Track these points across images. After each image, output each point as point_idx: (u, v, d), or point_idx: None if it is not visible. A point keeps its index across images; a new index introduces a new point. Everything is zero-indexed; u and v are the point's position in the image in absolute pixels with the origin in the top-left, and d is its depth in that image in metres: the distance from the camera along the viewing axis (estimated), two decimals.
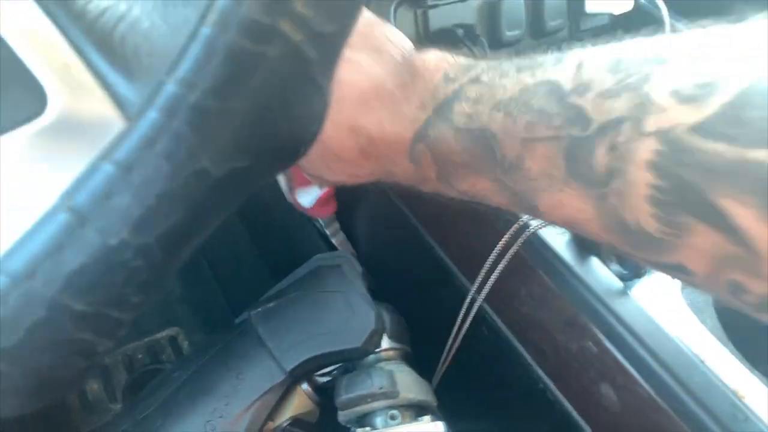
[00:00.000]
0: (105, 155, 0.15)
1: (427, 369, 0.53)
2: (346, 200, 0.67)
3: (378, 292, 0.50)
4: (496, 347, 0.45)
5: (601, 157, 0.21)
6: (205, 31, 0.14)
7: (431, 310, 0.54)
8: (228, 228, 0.92)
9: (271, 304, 0.44)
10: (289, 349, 0.41)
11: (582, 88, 0.22)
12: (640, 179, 0.19)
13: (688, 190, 0.18)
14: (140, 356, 0.91)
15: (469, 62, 0.28)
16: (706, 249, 0.19)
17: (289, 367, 0.40)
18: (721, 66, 0.19)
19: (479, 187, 0.27)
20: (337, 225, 0.68)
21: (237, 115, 0.15)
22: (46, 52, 0.14)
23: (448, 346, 0.49)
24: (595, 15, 0.70)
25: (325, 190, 0.67)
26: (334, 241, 0.66)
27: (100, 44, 0.15)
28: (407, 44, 0.30)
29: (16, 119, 0.14)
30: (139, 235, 0.15)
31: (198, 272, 0.90)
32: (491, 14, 0.63)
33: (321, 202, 0.67)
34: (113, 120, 0.15)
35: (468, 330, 0.46)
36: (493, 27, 0.63)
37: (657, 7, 0.66)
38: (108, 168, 0.15)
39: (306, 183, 0.67)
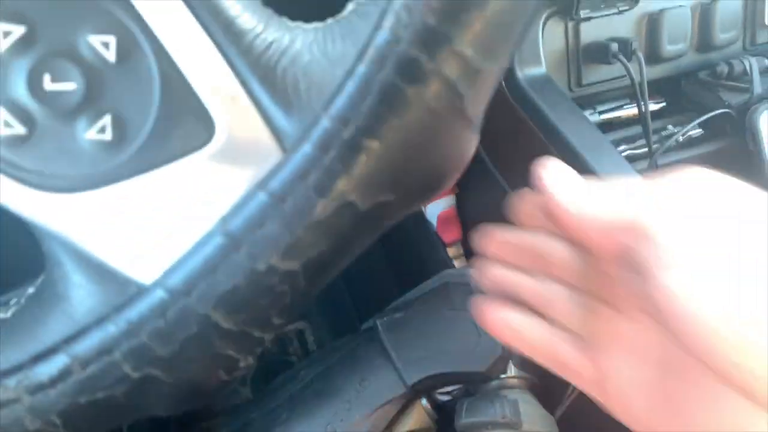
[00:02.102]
0: (261, 185, 0.15)
1: (551, 398, 0.51)
2: (472, 224, 0.66)
3: None
4: None
5: None
6: (362, 69, 0.14)
7: None
8: None
9: (398, 315, 0.44)
10: (412, 364, 0.41)
11: None
12: None
13: None
14: (269, 347, 0.98)
15: None
16: None
17: (411, 381, 0.40)
18: None
19: None
20: (460, 250, 0.67)
21: (388, 152, 0.15)
22: (216, 85, 0.15)
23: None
24: None
25: (446, 208, 0.66)
26: (455, 264, 0.65)
27: (264, 78, 0.15)
28: None
29: (187, 147, 0.15)
30: (287, 262, 0.15)
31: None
32: (651, 27, 0.58)
33: (442, 220, 0.66)
34: (271, 151, 0.15)
35: None
36: (652, 40, 0.58)
37: None
38: (263, 197, 0.15)
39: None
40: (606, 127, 0.60)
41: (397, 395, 0.41)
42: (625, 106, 0.59)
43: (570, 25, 0.55)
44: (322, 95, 0.15)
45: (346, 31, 0.15)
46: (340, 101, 0.15)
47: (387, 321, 0.44)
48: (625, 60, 0.53)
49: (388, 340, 0.42)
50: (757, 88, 0.59)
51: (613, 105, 0.59)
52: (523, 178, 0.54)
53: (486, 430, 0.37)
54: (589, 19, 0.55)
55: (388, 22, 0.14)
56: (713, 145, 0.60)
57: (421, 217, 0.70)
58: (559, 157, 0.47)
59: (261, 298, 0.16)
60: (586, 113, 0.58)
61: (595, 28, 0.56)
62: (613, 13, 0.56)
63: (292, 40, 0.16)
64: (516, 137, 0.52)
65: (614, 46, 0.54)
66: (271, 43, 0.15)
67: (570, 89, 0.56)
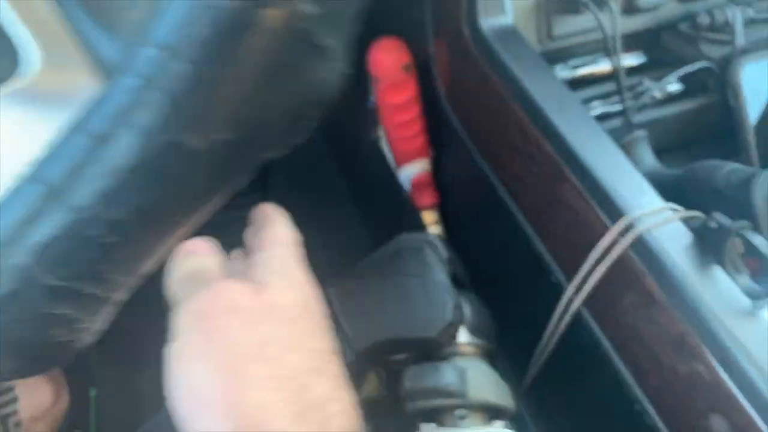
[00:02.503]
0: (79, 125, 0.13)
1: (516, 368, 0.50)
2: (448, 188, 0.64)
3: (468, 281, 0.47)
4: (593, 356, 0.40)
5: None
6: None
7: (525, 305, 0.50)
8: (334, 198, 0.93)
9: (350, 282, 0.43)
10: (360, 331, 0.39)
11: None
12: None
13: None
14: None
15: None
16: None
17: (359, 348, 0.39)
18: None
19: None
20: (435, 215, 0.65)
21: (223, 84, 0.13)
22: (23, 4, 0.13)
23: (540, 348, 0.45)
24: None
25: (419, 173, 0.64)
26: (429, 230, 0.63)
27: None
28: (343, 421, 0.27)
29: None
30: (113, 210, 0.13)
31: (306, 239, 0.93)
32: None
33: (416, 184, 0.64)
34: (91, 81, 0.13)
35: (564, 333, 0.42)
36: None
37: None
38: (82, 137, 0.13)
39: (406, 160, 0.65)
40: (580, 83, 0.57)
41: (345, 364, 0.39)
42: (600, 61, 0.57)
43: None
44: (149, 19, 0.13)
45: None
46: (166, 25, 0.13)
47: (338, 289, 0.43)
48: (596, 9, 0.51)
49: (337, 308, 0.41)
50: (740, 40, 0.56)
51: (587, 59, 0.56)
52: (490, 140, 0.52)
53: (431, 397, 0.36)
54: None
55: None
56: (693, 101, 0.57)
57: (394, 183, 0.69)
58: (523, 117, 0.45)
59: (86, 250, 0.14)
60: (558, 68, 0.56)
61: None
62: None
63: None
64: (481, 95, 0.49)
65: None
66: None
67: (539, 42, 0.53)
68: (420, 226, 0.67)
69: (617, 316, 0.38)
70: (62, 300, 0.14)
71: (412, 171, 0.66)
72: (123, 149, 0.13)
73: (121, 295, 0.16)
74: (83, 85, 0.14)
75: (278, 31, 0.13)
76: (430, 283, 0.40)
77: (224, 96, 0.13)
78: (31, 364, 0.16)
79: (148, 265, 0.16)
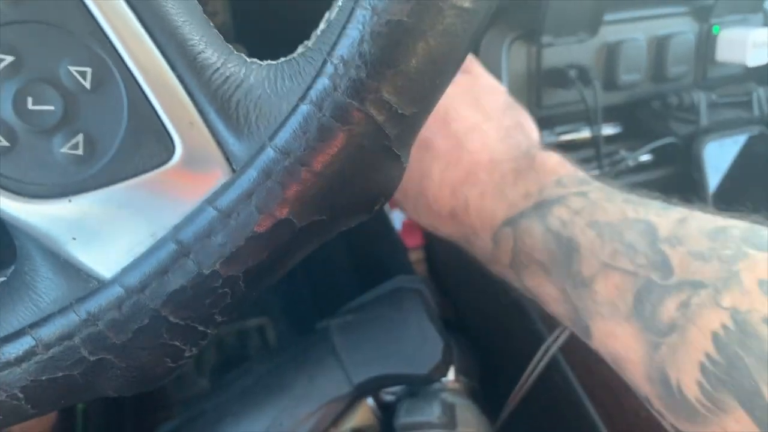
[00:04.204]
0: (210, 200, 0.18)
1: (495, 405, 0.54)
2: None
3: (453, 322, 0.51)
4: (566, 398, 0.45)
5: (670, 309, 0.21)
6: (304, 108, 0.17)
7: (505, 347, 0.54)
8: None
9: (350, 317, 0.47)
10: (359, 364, 0.43)
11: (676, 240, 0.22)
12: (699, 344, 0.20)
13: (740, 372, 0.18)
14: (230, 340, 1.00)
15: (583, 177, 0.29)
16: None
17: (357, 381, 0.43)
18: None
19: (544, 289, 0.28)
20: (421, 255, 0.70)
21: (321, 180, 0.17)
22: (177, 112, 0.17)
23: (517, 389, 0.49)
24: (725, 64, 0.66)
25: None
26: (416, 269, 0.68)
27: (220, 108, 0.18)
28: (535, 135, 0.32)
29: (148, 164, 0.18)
30: (229, 269, 0.18)
31: (293, 270, 0.96)
32: (609, 56, 0.62)
33: (406, 226, 0.69)
34: (222, 172, 0.18)
35: (540, 375, 0.46)
36: (609, 69, 0.62)
37: None
38: (211, 211, 0.18)
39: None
40: (563, 147, 0.63)
41: (342, 394, 0.43)
42: (582, 130, 0.63)
43: (533, 50, 0.58)
44: (269, 127, 0.18)
45: (294, 72, 0.18)
46: (284, 134, 0.17)
47: (339, 322, 0.47)
48: (582, 86, 0.57)
49: (338, 341, 0.45)
50: (704, 120, 0.63)
51: (570, 127, 0.63)
52: None
53: (422, 429, 0.40)
54: (551, 45, 0.58)
55: (328, 70, 0.17)
56: (661, 171, 0.64)
57: (385, 222, 0.73)
58: None
59: (205, 298, 0.18)
60: (545, 133, 0.62)
61: (557, 55, 0.59)
62: (574, 42, 0.59)
63: (247, 75, 0.18)
64: None
65: (573, 73, 0.58)
66: (228, 77, 0.18)
67: (529, 110, 0.59)
68: (407, 264, 0.71)
69: (588, 363, 0.42)
70: (179, 335, 0.18)
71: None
72: (242, 223, 0.18)
73: (215, 331, 0.20)
74: (216, 174, 0.18)
75: (366, 145, 0.18)
76: (425, 324, 0.44)
77: (321, 188, 0.18)
78: (141, 384, 0.19)
79: (241, 309, 0.20)
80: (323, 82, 0.17)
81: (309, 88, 0.17)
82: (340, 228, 0.20)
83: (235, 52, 0.18)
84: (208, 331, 0.19)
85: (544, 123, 0.61)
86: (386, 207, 0.73)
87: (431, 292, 0.48)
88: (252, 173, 0.17)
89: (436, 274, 0.71)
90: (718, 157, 0.63)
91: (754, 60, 0.63)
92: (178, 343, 0.18)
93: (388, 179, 0.19)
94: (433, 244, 0.70)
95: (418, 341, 0.43)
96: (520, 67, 0.58)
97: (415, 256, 0.73)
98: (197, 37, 0.17)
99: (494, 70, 0.55)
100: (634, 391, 0.38)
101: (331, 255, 0.94)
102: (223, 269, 0.18)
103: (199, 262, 0.18)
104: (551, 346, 0.44)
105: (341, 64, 0.17)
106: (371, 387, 0.44)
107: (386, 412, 0.46)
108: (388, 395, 0.46)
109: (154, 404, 0.92)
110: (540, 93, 0.59)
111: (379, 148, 0.18)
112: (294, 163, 0.17)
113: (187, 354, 0.19)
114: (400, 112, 0.17)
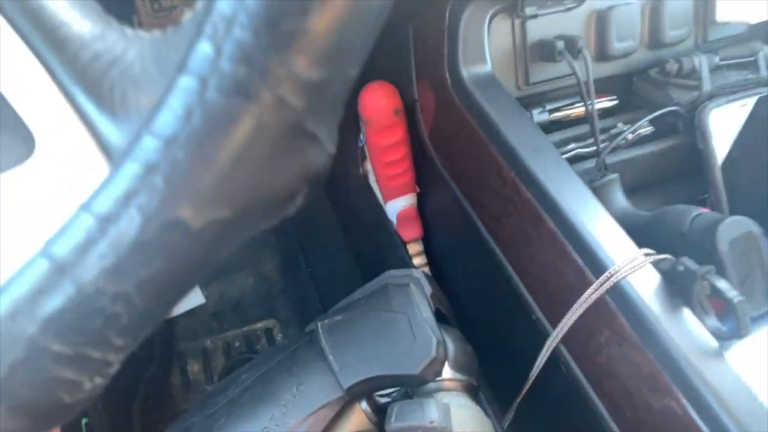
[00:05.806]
0: (86, 205, 0.15)
1: (498, 401, 0.51)
2: (432, 222, 0.65)
3: (451, 317, 0.48)
4: (572, 392, 0.41)
5: None
6: (183, 81, 0.14)
7: (506, 339, 0.51)
8: (325, 229, 0.94)
9: (338, 318, 0.44)
10: (348, 367, 0.40)
11: None
12: None
13: None
14: (237, 344, 0.98)
15: None
16: None
17: (347, 384, 0.40)
18: None
19: None
20: (420, 248, 0.67)
21: (218, 170, 0.14)
22: (35, 96, 0.15)
23: (521, 384, 0.46)
24: (726, 24, 0.62)
25: (405, 207, 0.66)
26: (414, 262, 0.65)
27: (90, 89, 0.15)
28: None
29: (4, 162, 0.15)
30: (116, 284, 0.15)
31: (297, 268, 0.94)
32: (600, 24, 0.58)
33: (402, 218, 0.66)
34: (96, 167, 0.15)
35: (545, 368, 0.43)
36: (601, 38, 0.58)
37: None
38: (87, 217, 0.15)
39: (393, 196, 0.67)
40: (557, 125, 0.60)
41: (333, 399, 0.40)
42: (575, 104, 0.59)
43: (516, 23, 0.55)
44: (150, 110, 0.15)
45: (182, 40, 0.15)
46: (164, 117, 0.14)
47: (327, 323, 0.44)
48: (571, 58, 0.53)
49: (326, 343, 0.42)
50: (707, 85, 0.59)
51: (563, 103, 0.59)
52: (470, 182, 0.53)
53: None
54: (535, 16, 0.55)
55: (207, 32, 0.14)
56: (663, 143, 0.60)
57: (381, 216, 0.70)
58: (501, 162, 0.47)
59: (93, 320, 0.15)
60: (535, 112, 0.58)
61: (543, 26, 0.56)
62: (560, 11, 0.55)
63: (125, 50, 0.15)
64: (461, 139, 0.51)
65: (560, 44, 0.54)
66: (99, 54, 0.15)
67: (518, 87, 0.56)
68: (405, 258, 0.69)
69: (593, 355, 0.39)
70: (69, 365, 0.15)
71: (399, 205, 0.68)
72: (125, 229, 0.15)
73: (123, 358, 0.17)
74: (90, 170, 0.15)
75: (268, 123, 0.15)
76: (415, 320, 0.41)
77: (218, 180, 0.15)
78: (37, 424, 0.17)
79: (149, 329, 0.17)
80: (203, 47, 0.14)
81: (187, 57, 0.14)
82: (256, 226, 0.16)
83: (117, 24, 0.15)
84: (110, 356, 0.16)
85: (534, 100, 0.58)
86: (381, 201, 0.70)
87: (426, 286, 0.45)
88: (132, 167, 0.14)
89: (436, 266, 0.68)
90: (725, 124, 0.59)
91: (757, 15, 0.59)
92: (70, 375, 0.16)
93: (306, 164, 0.16)
94: (431, 236, 0.67)
95: (408, 339, 0.40)
96: (504, 43, 0.55)
97: (415, 249, 0.70)
98: (60, 6, 0.14)
99: (476, 48, 0.52)
100: (645, 379, 0.35)
101: (335, 251, 0.91)
102: (108, 285, 0.15)
103: (78, 280, 0.15)
104: (551, 338, 0.41)
105: (222, 23, 0.13)
106: (363, 390, 0.41)
107: (383, 416, 0.43)
108: (383, 398, 0.43)
109: (162, 415, 0.90)
110: (527, 69, 0.55)
111: (284, 126, 0.15)
112: (179, 152, 0.14)
113: (87, 386, 0.16)
114: (304, 77, 0.14)
